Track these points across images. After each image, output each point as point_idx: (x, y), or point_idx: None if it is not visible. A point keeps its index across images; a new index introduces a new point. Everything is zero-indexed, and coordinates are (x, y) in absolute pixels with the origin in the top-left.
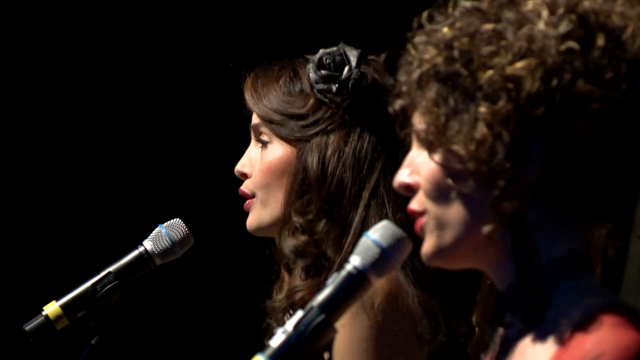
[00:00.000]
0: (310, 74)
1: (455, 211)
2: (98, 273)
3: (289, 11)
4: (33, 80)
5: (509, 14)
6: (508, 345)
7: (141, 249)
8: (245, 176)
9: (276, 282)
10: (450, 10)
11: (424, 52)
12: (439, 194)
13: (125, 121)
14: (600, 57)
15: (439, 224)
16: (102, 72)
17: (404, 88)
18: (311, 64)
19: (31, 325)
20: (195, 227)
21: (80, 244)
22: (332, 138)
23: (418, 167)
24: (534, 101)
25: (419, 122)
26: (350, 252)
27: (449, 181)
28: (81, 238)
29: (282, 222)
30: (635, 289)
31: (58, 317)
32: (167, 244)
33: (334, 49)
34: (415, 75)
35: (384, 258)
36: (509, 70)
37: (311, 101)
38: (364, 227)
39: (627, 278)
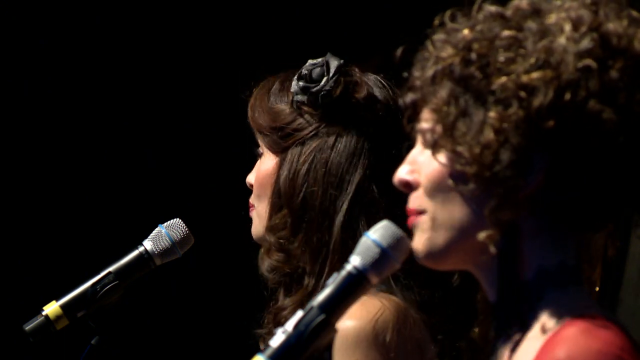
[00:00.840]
0: (292, 85)
1: (453, 213)
2: (98, 273)
3: (295, 15)
4: (33, 80)
5: (531, 24)
6: (496, 355)
7: (141, 249)
8: (252, 186)
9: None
10: (474, 13)
11: (441, 50)
12: (439, 195)
13: (126, 121)
14: (616, 80)
15: (435, 224)
16: (102, 72)
17: (417, 83)
18: (296, 75)
19: (31, 325)
20: (195, 227)
21: (80, 244)
22: (304, 149)
23: (420, 165)
24: (544, 113)
25: (426, 119)
26: (332, 266)
27: (450, 182)
28: (81, 238)
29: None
30: (635, 289)
31: (58, 317)
32: (167, 244)
33: (319, 60)
34: (430, 71)
35: (384, 258)
36: (524, 78)
37: (289, 112)
38: (346, 241)
39: (627, 278)
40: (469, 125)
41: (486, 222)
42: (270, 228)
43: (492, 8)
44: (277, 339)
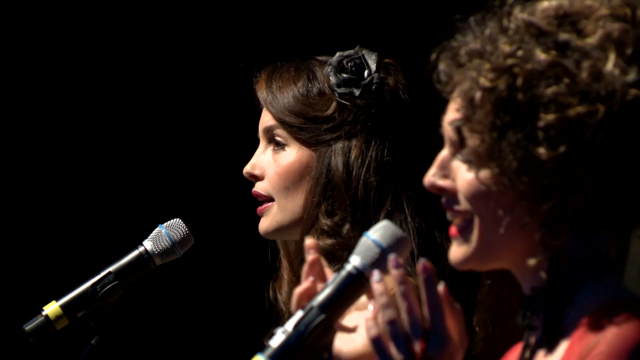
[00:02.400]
0: (331, 77)
1: (500, 226)
2: (98, 273)
3: (289, 11)
4: (33, 80)
5: (569, 38)
6: (536, 347)
7: (141, 249)
8: (255, 178)
9: (276, 280)
10: (505, 20)
11: (480, 67)
12: (483, 207)
13: (126, 121)
14: None
15: (484, 230)
16: (102, 72)
17: (456, 99)
18: (330, 67)
19: (31, 325)
20: (195, 227)
21: (80, 244)
22: (355, 142)
23: (454, 172)
24: (594, 148)
25: (470, 142)
26: None
27: (499, 210)
28: (81, 238)
29: (304, 225)
30: (635, 289)
31: (58, 317)
32: (167, 244)
33: (351, 52)
34: (472, 92)
35: (383, 258)
36: (573, 113)
37: (333, 104)
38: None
39: (627, 278)
40: (517, 157)
41: (530, 234)
42: (326, 212)
43: (524, 15)
44: (277, 339)
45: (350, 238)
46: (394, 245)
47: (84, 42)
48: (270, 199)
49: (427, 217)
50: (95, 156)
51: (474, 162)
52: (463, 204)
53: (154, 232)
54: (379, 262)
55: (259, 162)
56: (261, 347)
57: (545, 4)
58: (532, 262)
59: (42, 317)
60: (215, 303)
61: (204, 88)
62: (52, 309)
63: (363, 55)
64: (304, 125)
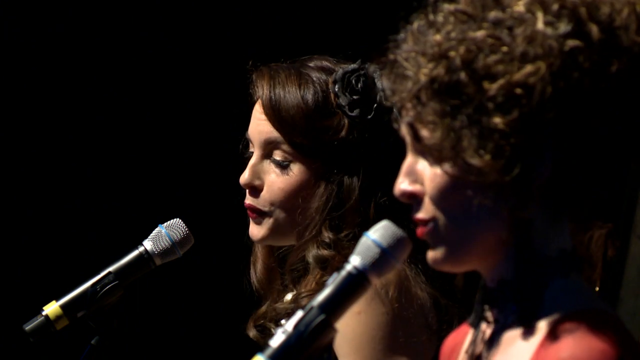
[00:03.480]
0: (341, 99)
1: (467, 218)
2: (98, 273)
3: (283, 13)
4: (33, 80)
5: (498, 14)
6: (491, 341)
7: (141, 249)
8: (253, 189)
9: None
10: (430, 15)
11: (417, 63)
12: (449, 202)
13: (126, 121)
14: (600, 51)
15: (451, 232)
16: (102, 72)
17: (405, 103)
18: (337, 85)
19: (31, 325)
20: (195, 227)
21: (80, 244)
22: (367, 163)
23: (420, 175)
24: (545, 106)
25: (424, 132)
26: None
27: (468, 192)
28: (81, 238)
29: (306, 238)
30: (635, 289)
31: (58, 317)
32: (167, 244)
33: (355, 66)
34: (415, 89)
35: (384, 258)
36: (517, 77)
37: (344, 125)
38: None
39: (627, 278)
40: (474, 134)
41: (500, 220)
42: (327, 226)
43: (450, 6)
44: (277, 339)
45: (350, 251)
46: (394, 245)
47: (84, 42)
48: (266, 211)
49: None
50: (95, 156)
51: (435, 156)
52: (429, 210)
53: (154, 232)
54: (379, 262)
55: (258, 172)
56: (261, 347)
57: None
58: (504, 235)
59: (42, 317)
60: (215, 303)
61: (204, 88)
62: (52, 309)
63: (367, 71)
64: (315, 147)
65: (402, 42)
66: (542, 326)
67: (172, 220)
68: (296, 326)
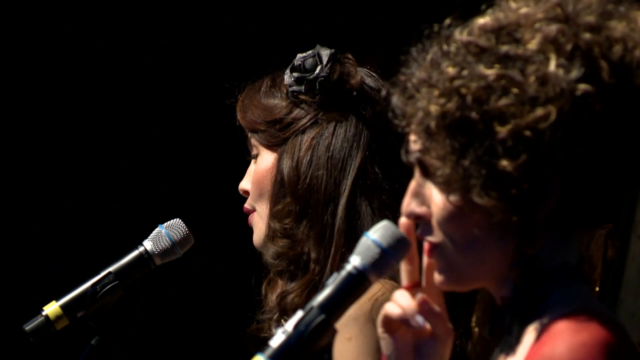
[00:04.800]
0: (285, 78)
1: (474, 249)
2: (98, 273)
3: (287, 16)
4: (33, 80)
5: (510, 50)
6: (504, 353)
7: (141, 249)
8: (247, 193)
9: (269, 283)
10: (444, 45)
11: (429, 95)
12: (455, 231)
13: (126, 122)
14: (612, 93)
15: (456, 258)
16: (102, 72)
17: (413, 132)
18: (288, 69)
19: (31, 325)
20: (196, 227)
21: (80, 244)
22: (305, 137)
23: (428, 198)
24: (555, 149)
25: (433, 169)
26: (337, 249)
27: (474, 227)
28: (81, 238)
29: (267, 231)
30: (635, 289)
31: (58, 317)
32: (167, 244)
33: (310, 52)
34: (426, 121)
35: (384, 258)
36: (527, 120)
37: (285, 104)
38: (350, 223)
39: (627, 278)
40: (482, 174)
41: (505, 252)
42: (274, 215)
43: (463, 37)
44: (277, 339)
45: (306, 236)
46: (394, 246)
47: (85, 42)
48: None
49: (396, 210)
50: (95, 156)
51: (443, 187)
52: (436, 234)
53: (154, 232)
54: (379, 262)
55: (248, 177)
56: (261, 347)
57: (481, 21)
58: (512, 274)
59: (42, 317)
60: (215, 303)
61: (203, 89)
62: (52, 309)
63: (318, 53)
64: (266, 130)
65: (414, 64)
66: (536, 330)
67: (172, 220)
68: (296, 326)
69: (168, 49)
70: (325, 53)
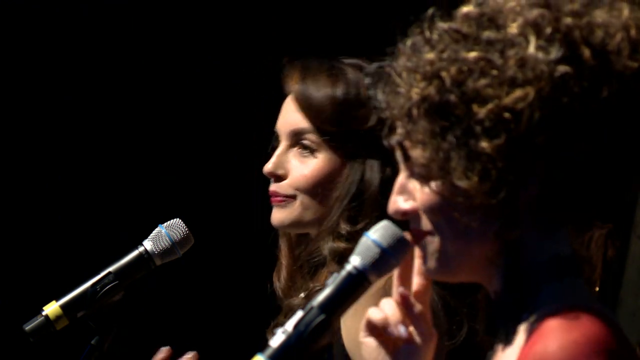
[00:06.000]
0: (371, 89)
1: (457, 237)
2: (98, 273)
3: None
4: (33, 80)
5: (490, 35)
6: (497, 350)
7: (141, 249)
8: (278, 177)
9: (277, 272)
10: (427, 32)
11: (410, 80)
12: (439, 220)
13: (126, 121)
14: (591, 76)
15: (440, 246)
16: (102, 72)
17: (397, 119)
18: (368, 78)
19: (31, 325)
20: (195, 227)
21: (81, 244)
22: (389, 157)
23: (412, 192)
24: (534, 131)
25: (413, 151)
26: None
27: (455, 214)
28: (81, 238)
29: (324, 227)
30: (635, 289)
31: (58, 317)
32: (167, 244)
33: (387, 62)
34: (406, 106)
35: (384, 258)
36: (506, 101)
37: (372, 118)
38: None
39: (627, 278)
40: (462, 157)
41: (488, 239)
42: (347, 219)
43: (445, 25)
44: (277, 339)
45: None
46: (394, 246)
47: (85, 42)
48: (290, 196)
49: None
50: (95, 156)
51: (424, 174)
52: (425, 223)
53: (154, 232)
54: (379, 262)
55: (282, 162)
56: (262, 346)
57: (464, 10)
58: (489, 254)
59: (42, 317)
60: (215, 303)
61: (203, 88)
62: (52, 309)
63: None
64: (341, 135)
65: (397, 55)
66: (528, 326)
67: (172, 220)
68: (296, 326)
69: (168, 49)
70: None
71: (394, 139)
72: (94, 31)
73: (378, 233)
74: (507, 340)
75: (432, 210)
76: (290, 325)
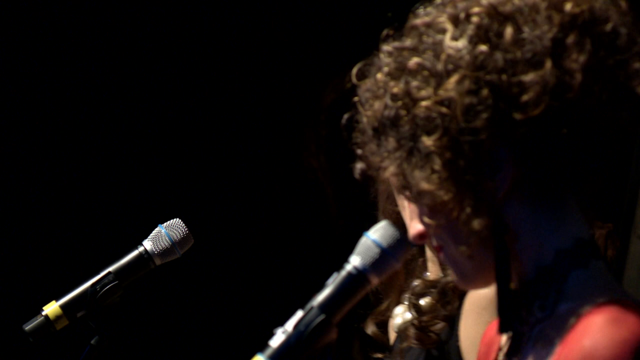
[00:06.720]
0: None
1: (460, 244)
2: (98, 273)
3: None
4: (33, 80)
5: (422, 39)
6: (525, 341)
7: (141, 249)
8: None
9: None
10: (379, 55)
11: (369, 107)
12: (440, 233)
13: (126, 121)
14: (513, 45)
15: (452, 258)
16: (102, 72)
17: (362, 145)
18: None
19: (31, 325)
20: (195, 227)
21: (80, 244)
22: None
23: (416, 213)
24: (470, 114)
25: (387, 175)
26: None
27: (445, 221)
28: (81, 238)
29: None
30: (635, 289)
31: (58, 317)
32: (166, 244)
33: None
34: (368, 130)
35: (383, 258)
36: (436, 97)
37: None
38: None
39: (627, 278)
40: (417, 163)
41: (485, 233)
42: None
43: (388, 47)
44: (277, 339)
45: None
46: (394, 246)
47: (85, 41)
48: None
49: None
50: (95, 156)
51: (402, 192)
52: (433, 240)
53: (153, 232)
54: (379, 262)
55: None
56: (261, 346)
57: (411, 23)
58: (466, 250)
59: (42, 317)
60: (215, 303)
61: (204, 88)
62: (52, 309)
63: None
64: None
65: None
66: (567, 319)
67: (172, 220)
68: (296, 326)
69: (168, 49)
70: None
71: (359, 172)
72: (95, 31)
73: (378, 233)
74: (535, 333)
75: (428, 224)
76: (290, 325)
